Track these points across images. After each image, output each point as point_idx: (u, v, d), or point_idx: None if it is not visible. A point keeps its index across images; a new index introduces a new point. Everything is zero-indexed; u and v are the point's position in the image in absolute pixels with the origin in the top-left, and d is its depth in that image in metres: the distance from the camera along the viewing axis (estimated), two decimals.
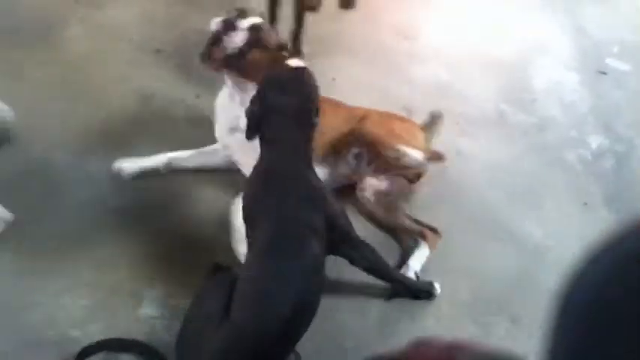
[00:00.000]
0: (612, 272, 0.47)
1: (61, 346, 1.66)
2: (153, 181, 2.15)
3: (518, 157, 2.56)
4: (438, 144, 2.38)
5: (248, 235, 1.70)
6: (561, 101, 2.88)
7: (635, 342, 0.42)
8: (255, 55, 1.99)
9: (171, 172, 2.19)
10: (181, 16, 2.85)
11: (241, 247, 1.86)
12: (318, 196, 1.70)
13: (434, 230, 2.14)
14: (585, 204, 2.40)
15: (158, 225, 2.04)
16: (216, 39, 1.98)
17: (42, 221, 1.96)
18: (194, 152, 2.22)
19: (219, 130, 2.18)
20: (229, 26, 1.98)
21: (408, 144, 2.17)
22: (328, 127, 2.07)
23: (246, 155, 1.96)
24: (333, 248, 1.71)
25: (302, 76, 1.79)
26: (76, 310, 1.76)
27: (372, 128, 2.15)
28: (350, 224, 1.80)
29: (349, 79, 2.68)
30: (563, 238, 2.22)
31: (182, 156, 2.21)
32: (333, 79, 2.63)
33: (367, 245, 1.81)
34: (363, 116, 2.20)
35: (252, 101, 1.78)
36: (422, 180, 2.24)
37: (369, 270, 1.85)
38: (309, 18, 2.70)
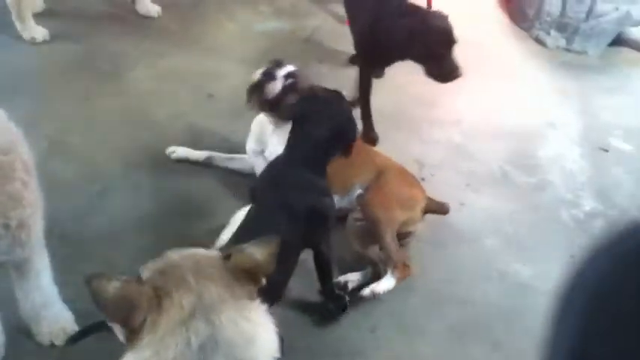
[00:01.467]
0: (612, 270, 0.47)
1: None
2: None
3: (516, 212, 2.84)
4: (445, 194, 2.69)
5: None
6: (562, 169, 3.17)
7: (634, 337, 0.42)
8: (291, 100, 2.37)
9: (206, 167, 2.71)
10: (231, 71, 3.32)
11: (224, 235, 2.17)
12: (310, 189, 1.97)
13: (407, 266, 2.30)
14: (572, 256, 2.63)
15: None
16: (258, 87, 2.40)
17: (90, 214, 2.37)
18: (229, 155, 2.73)
19: (250, 144, 2.61)
20: (269, 76, 2.40)
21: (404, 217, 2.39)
22: (347, 162, 2.26)
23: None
24: (311, 238, 1.98)
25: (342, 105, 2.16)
26: None
27: (378, 202, 2.34)
28: (331, 227, 2.08)
29: None
30: (548, 281, 2.45)
31: (220, 156, 2.73)
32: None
33: (333, 249, 2.11)
34: (382, 169, 2.49)
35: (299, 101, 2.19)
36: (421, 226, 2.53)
37: (323, 269, 2.11)
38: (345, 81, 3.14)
